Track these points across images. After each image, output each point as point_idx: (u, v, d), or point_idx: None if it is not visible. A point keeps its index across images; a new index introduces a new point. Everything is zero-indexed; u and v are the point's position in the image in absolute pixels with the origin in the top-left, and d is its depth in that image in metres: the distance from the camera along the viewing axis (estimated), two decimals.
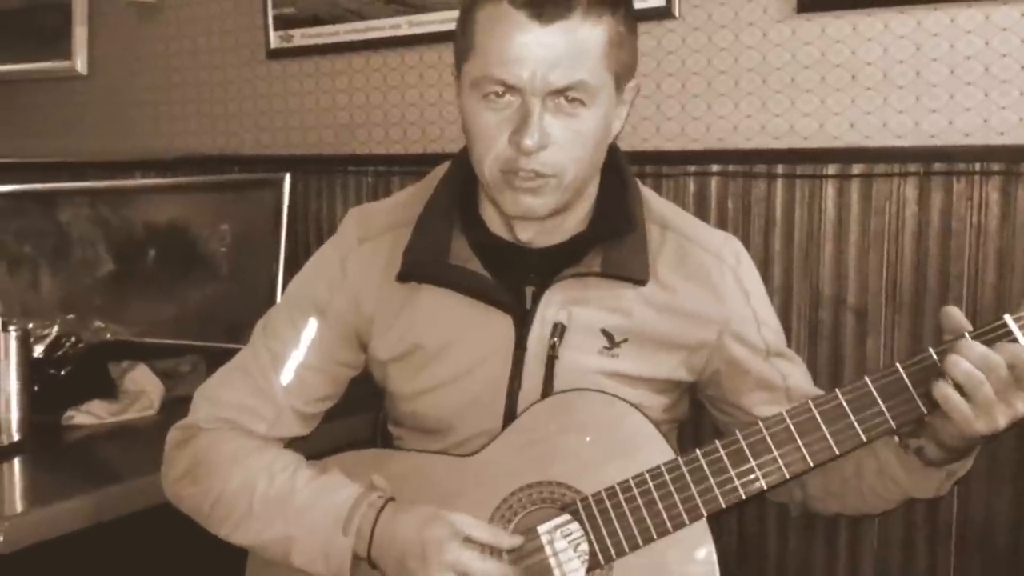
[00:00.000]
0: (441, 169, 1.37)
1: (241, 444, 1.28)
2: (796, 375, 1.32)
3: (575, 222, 1.28)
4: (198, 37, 2.50)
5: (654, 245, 1.29)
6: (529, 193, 1.18)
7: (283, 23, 2.30)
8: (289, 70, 2.34)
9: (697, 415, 1.45)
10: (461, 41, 1.21)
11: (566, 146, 1.16)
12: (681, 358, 1.28)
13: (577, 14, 1.12)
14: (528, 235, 1.27)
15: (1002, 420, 1.06)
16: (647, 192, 1.35)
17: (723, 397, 1.33)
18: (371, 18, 2.15)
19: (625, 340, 1.25)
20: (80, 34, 2.73)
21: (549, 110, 1.15)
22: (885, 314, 1.62)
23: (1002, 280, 1.52)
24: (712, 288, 1.28)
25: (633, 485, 1.14)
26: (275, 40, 2.32)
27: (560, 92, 1.14)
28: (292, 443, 1.35)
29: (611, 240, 1.26)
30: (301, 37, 2.28)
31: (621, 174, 1.31)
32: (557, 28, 1.12)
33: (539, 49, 1.12)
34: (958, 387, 1.04)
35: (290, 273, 1.43)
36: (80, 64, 2.74)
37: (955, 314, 1.09)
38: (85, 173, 2.66)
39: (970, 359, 1.04)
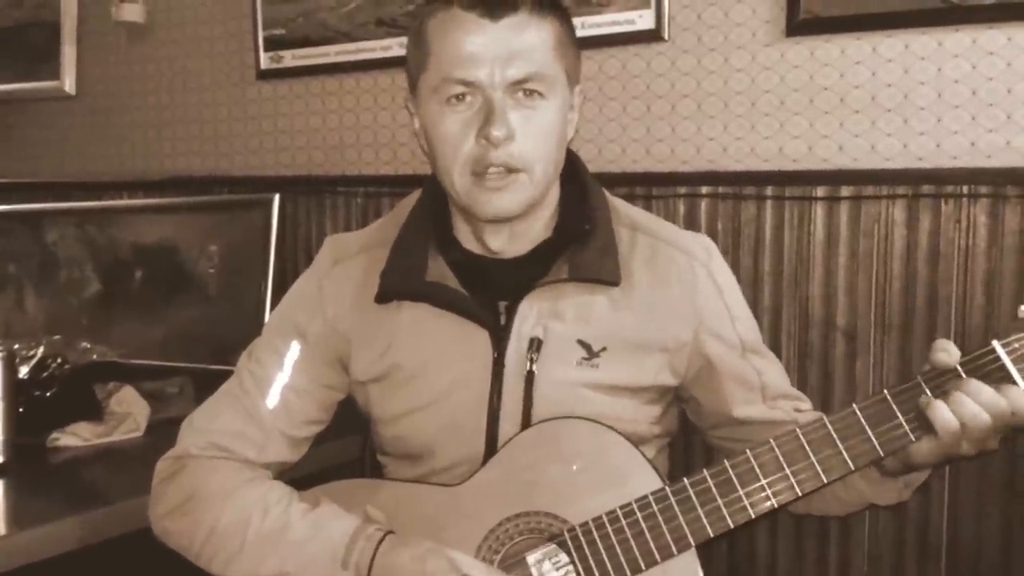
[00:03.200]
0: (412, 197, 1.38)
1: (232, 476, 1.26)
2: (771, 372, 1.33)
3: (540, 229, 1.30)
4: (188, 58, 2.50)
5: (624, 247, 1.30)
6: (500, 192, 1.20)
7: (273, 44, 2.30)
8: (279, 91, 2.34)
9: (688, 428, 1.44)
10: (415, 56, 1.25)
11: (531, 138, 1.20)
12: (663, 361, 1.28)
13: (524, 11, 1.19)
14: (498, 243, 1.28)
15: (975, 450, 1.08)
16: (615, 199, 1.37)
17: (701, 397, 1.33)
18: (361, 39, 2.16)
19: (604, 349, 1.25)
20: (69, 54, 2.72)
21: (510, 105, 1.19)
22: (874, 335, 1.62)
23: (990, 302, 1.53)
24: (685, 285, 1.29)
25: (621, 516, 1.13)
26: (265, 61, 2.33)
27: (518, 85, 1.19)
28: (281, 471, 1.34)
29: (577, 244, 1.27)
30: (291, 58, 2.28)
31: (581, 181, 1.34)
32: (507, 24, 1.18)
33: (493, 45, 1.18)
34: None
35: (279, 294, 1.43)
36: (68, 84, 2.73)
37: (945, 349, 1.09)
38: (72, 194, 2.65)
39: (978, 402, 1.05)
